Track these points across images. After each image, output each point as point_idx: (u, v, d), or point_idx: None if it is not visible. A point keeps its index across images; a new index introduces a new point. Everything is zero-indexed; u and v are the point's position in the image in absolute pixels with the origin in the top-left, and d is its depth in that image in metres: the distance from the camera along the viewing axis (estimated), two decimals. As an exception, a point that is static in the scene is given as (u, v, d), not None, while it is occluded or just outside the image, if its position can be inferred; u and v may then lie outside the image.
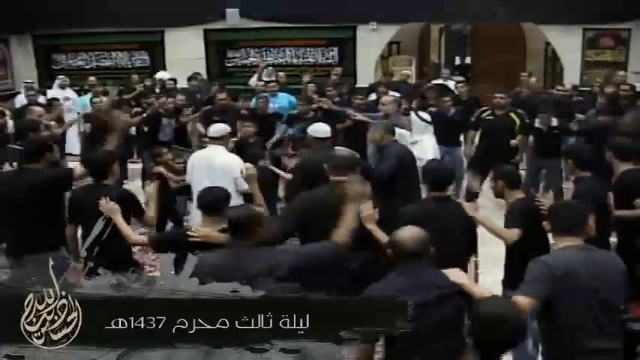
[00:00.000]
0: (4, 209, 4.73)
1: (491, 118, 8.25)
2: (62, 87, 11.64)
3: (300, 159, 5.96)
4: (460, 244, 4.21)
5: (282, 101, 9.52)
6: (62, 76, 12.14)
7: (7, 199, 4.68)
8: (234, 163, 5.48)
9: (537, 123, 8.02)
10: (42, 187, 4.63)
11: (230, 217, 3.42)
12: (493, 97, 8.40)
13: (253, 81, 11.52)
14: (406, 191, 5.35)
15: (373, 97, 9.63)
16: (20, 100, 10.72)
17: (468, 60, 16.70)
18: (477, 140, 8.69)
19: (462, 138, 8.87)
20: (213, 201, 4.05)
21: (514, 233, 4.23)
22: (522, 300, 3.10)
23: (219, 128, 5.91)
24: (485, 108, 8.54)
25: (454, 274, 3.18)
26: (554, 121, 7.92)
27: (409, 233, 3.18)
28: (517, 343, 2.56)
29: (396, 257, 3.18)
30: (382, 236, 3.90)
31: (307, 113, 8.30)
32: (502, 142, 7.96)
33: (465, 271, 3.92)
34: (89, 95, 10.74)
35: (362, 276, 3.98)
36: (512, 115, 8.23)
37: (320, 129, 5.75)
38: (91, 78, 12.04)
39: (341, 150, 5.21)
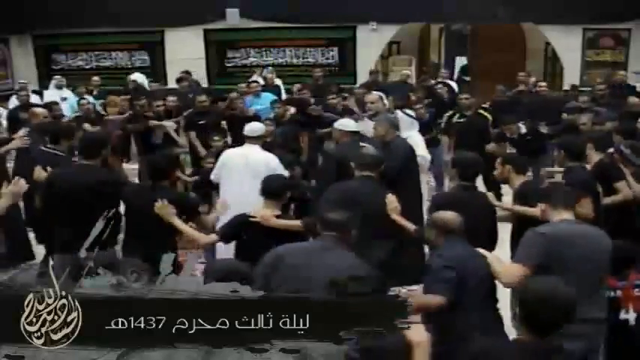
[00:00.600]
0: (59, 208, 4.65)
1: (461, 120, 8.19)
2: (59, 87, 11.57)
3: (333, 151, 6.08)
4: (484, 233, 4.37)
5: (265, 101, 9.50)
6: (58, 76, 12.06)
7: (64, 198, 4.60)
8: (274, 161, 5.57)
9: (508, 134, 7.94)
10: (98, 189, 4.54)
11: (330, 217, 3.49)
12: (459, 98, 8.38)
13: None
14: (406, 185, 5.40)
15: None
16: (13, 101, 10.62)
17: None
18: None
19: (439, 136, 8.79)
20: (276, 187, 4.36)
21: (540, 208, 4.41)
22: (517, 267, 3.36)
23: (256, 127, 5.94)
24: (452, 112, 8.43)
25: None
26: (523, 128, 7.88)
27: (451, 214, 3.59)
28: (569, 322, 2.57)
29: (442, 233, 3.54)
30: (408, 225, 4.34)
31: (284, 116, 8.33)
32: (477, 140, 7.89)
33: None
34: (76, 97, 10.73)
35: (389, 262, 4.39)
36: (482, 112, 8.19)
37: (348, 123, 6.02)
38: (95, 78, 12.05)
39: (368, 148, 5.37)
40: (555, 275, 3.17)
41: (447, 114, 8.43)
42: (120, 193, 4.67)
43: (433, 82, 11.28)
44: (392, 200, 4.44)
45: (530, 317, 2.54)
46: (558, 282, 2.67)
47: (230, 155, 5.80)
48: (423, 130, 8.14)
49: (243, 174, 5.44)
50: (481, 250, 3.56)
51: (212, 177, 5.90)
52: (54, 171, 4.92)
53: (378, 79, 11.81)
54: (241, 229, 4.27)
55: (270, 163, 5.51)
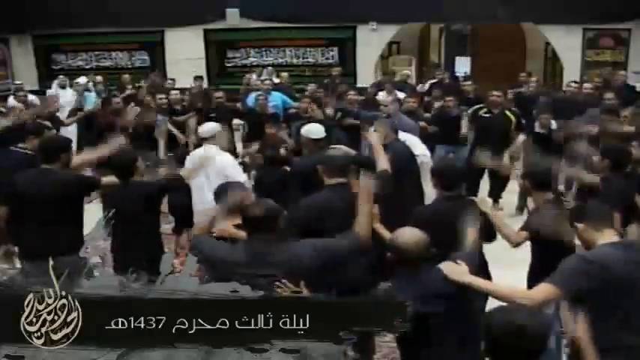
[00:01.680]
0: (23, 210, 4.60)
1: (487, 115, 8.21)
2: (62, 87, 11.59)
3: (295, 162, 5.83)
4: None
5: (275, 99, 9.53)
6: (61, 76, 12.08)
7: (28, 199, 4.55)
8: (228, 162, 5.55)
9: (537, 127, 7.90)
10: (63, 191, 4.48)
11: (250, 213, 3.23)
12: (490, 94, 8.36)
13: (251, 80, 11.54)
14: (406, 188, 5.37)
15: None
16: (10, 102, 10.61)
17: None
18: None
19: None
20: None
21: (520, 236, 4.13)
22: (548, 288, 3.02)
23: (209, 128, 5.90)
24: (481, 105, 8.46)
25: (452, 271, 3.07)
26: (554, 124, 7.84)
27: (414, 238, 3.09)
28: (539, 355, 2.35)
29: (401, 262, 3.09)
30: (386, 234, 3.81)
31: (306, 112, 8.22)
32: (496, 140, 7.89)
33: (486, 272, 3.95)
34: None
35: (369, 273, 3.97)
36: (508, 113, 8.19)
37: (314, 129, 5.53)
38: (98, 77, 12.03)
39: (334, 150, 4.92)
40: (598, 301, 2.98)
41: (475, 107, 8.45)
42: (83, 194, 4.68)
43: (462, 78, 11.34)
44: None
45: (499, 351, 2.36)
46: (526, 312, 2.46)
47: (193, 156, 5.79)
48: (451, 126, 8.26)
49: (208, 174, 5.42)
50: (453, 272, 3.10)
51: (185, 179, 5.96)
52: (17, 174, 4.89)
53: (393, 80, 11.73)
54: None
55: (224, 162, 5.50)
